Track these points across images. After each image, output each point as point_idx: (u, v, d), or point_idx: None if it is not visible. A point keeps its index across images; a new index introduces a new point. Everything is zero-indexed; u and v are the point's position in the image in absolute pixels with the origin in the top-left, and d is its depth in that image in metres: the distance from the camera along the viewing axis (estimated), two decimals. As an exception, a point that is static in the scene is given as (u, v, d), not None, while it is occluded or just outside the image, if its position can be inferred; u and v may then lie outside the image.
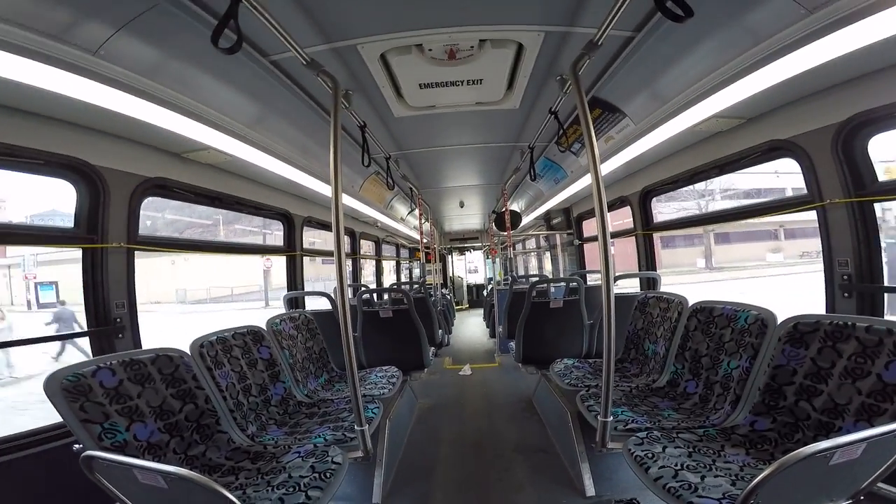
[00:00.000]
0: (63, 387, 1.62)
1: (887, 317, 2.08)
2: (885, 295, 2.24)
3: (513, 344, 4.10)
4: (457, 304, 13.28)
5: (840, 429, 1.70)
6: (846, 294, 2.31)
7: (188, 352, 2.25)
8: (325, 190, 4.09)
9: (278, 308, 3.93)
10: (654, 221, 4.45)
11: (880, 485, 1.39)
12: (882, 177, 2.27)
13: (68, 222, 2.45)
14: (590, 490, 2.58)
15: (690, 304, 2.81)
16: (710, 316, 2.55)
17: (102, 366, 1.80)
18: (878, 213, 2.37)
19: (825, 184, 2.40)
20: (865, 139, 2.27)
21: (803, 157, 2.50)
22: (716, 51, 2.21)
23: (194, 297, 27.78)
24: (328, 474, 1.81)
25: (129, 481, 1.37)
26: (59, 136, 2.20)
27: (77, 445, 1.55)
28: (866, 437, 1.17)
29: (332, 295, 3.75)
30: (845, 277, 2.31)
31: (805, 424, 1.84)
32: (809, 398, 1.85)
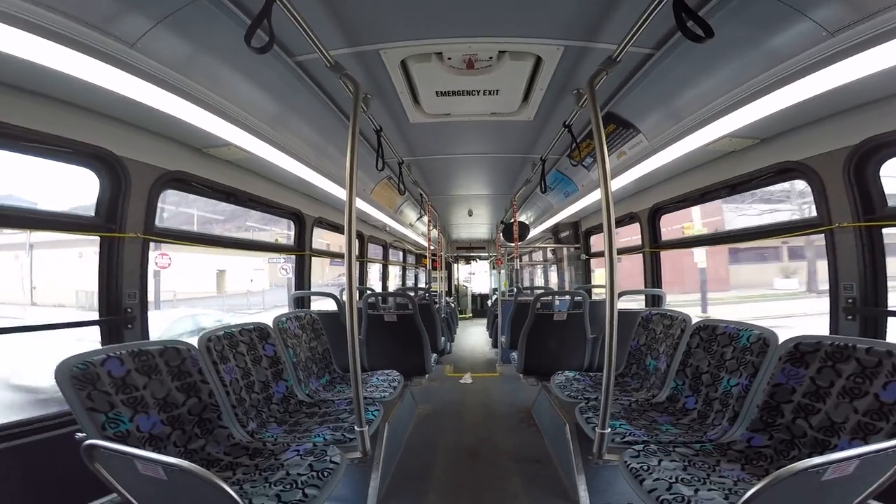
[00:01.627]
0: (73, 374, 1.63)
1: (890, 339, 2.08)
2: (888, 318, 2.23)
3: (515, 354, 4.11)
4: (461, 312, 13.27)
5: (835, 446, 1.71)
6: (850, 317, 2.31)
7: (196, 345, 2.28)
8: (338, 191, 4.14)
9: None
10: (662, 239, 4.45)
11: (872, 501, 1.39)
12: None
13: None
14: (584, 501, 2.58)
15: (694, 322, 2.81)
16: (713, 334, 2.55)
17: (112, 355, 1.81)
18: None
19: (835, 207, 2.40)
20: (877, 164, 2.27)
21: (815, 179, 2.50)
22: (733, 71, 2.23)
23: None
24: (326, 473, 1.82)
25: (129, 472, 1.37)
26: (85, 125, 2.24)
27: (80, 434, 1.56)
28: (859, 454, 1.18)
29: (339, 296, 3.80)
30: (850, 301, 2.31)
31: (801, 441, 1.85)
32: (807, 416, 1.86)
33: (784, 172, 2.76)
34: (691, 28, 1.49)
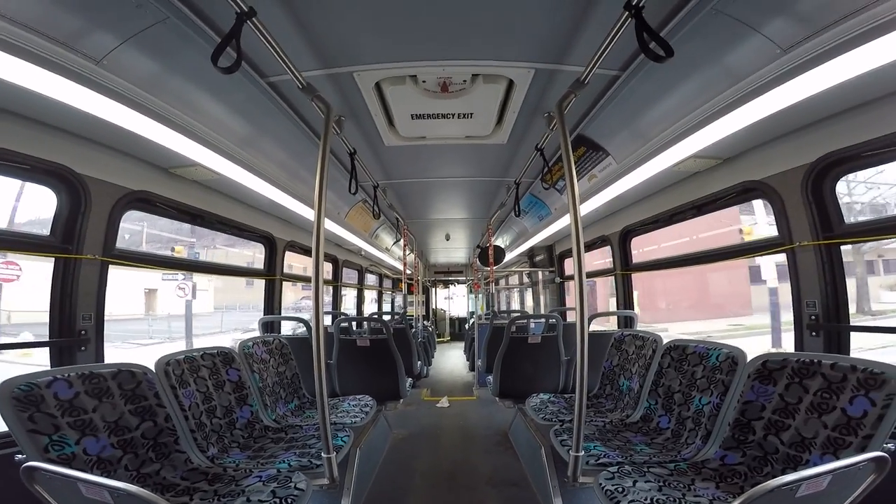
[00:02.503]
0: (14, 395, 1.56)
1: (852, 354, 2.12)
2: (850, 333, 2.29)
3: (491, 378, 4.06)
4: (439, 336, 13.15)
5: (807, 461, 1.72)
6: (814, 333, 2.35)
7: (153, 369, 2.17)
8: (310, 214, 4.09)
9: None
10: (633, 262, 4.53)
11: None
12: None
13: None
14: None
15: (665, 342, 2.83)
16: (684, 354, 2.57)
17: (60, 377, 1.73)
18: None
19: (795, 226, 2.45)
20: (833, 180, 2.34)
21: (775, 198, 2.55)
22: (695, 90, 2.30)
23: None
24: (289, 500, 1.74)
25: (73, 496, 1.30)
26: (44, 141, 2.18)
27: (19, 455, 1.49)
28: (832, 470, 1.18)
29: (310, 321, 3.70)
30: (813, 318, 2.36)
31: (774, 458, 1.85)
32: (778, 432, 1.87)
33: (746, 192, 2.83)
34: (653, 49, 1.53)
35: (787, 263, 2.54)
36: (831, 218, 2.35)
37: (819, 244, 2.35)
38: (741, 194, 2.89)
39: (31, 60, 1.64)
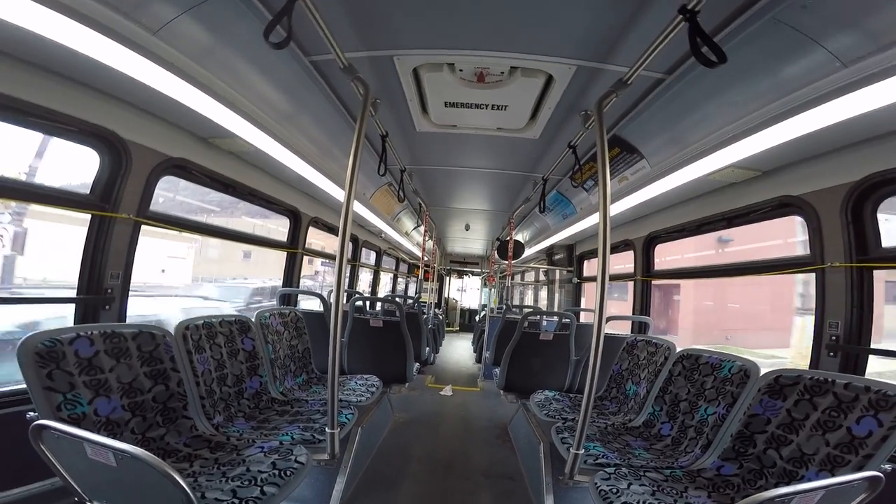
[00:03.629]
0: (37, 350, 1.58)
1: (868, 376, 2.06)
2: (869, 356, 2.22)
3: (497, 370, 4.07)
4: (448, 325, 13.21)
5: (802, 477, 1.71)
6: (832, 353, 2.29)
7: (172, 332, 2.23)
8: (337, 193, 4.15)
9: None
10: (655, 269, 4.45)
11: None
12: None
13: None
14: None
15: (678, 350, 2.79)
16: (696, 363, 2.54)
17: (83, 334, 1.76)
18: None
19: (829, 246, 2.37)
20: (876, 202, 2.24)
21: (811, 215, 2.46)
22: (743, 99, 2.22)
23: None
24: (288, 473, 1.78)
25: (77, 456, 1.33)
26: (93, 105, 2.25)
27: (31, 413, 1.51)
28: (824, 486, 1.19)
29: (327, 297, 3.77)
30: (833, 338, 2.29)
31: (769, 472, 1.84)
32: (778, 447, 1.85)
33: (782, 207, 2.73)
34: (705, 53, 1.49)
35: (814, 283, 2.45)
36: (868, 240, 2.26)
37: (851, 266, 2.27)
38: (776, 209, 2.78)
39: (91, 26, 1.69)
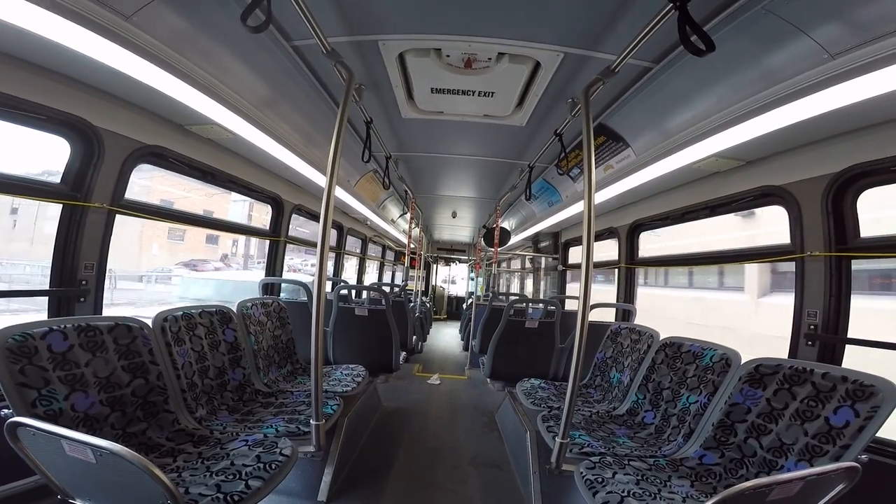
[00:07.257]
0: (7, 346, 1.53)
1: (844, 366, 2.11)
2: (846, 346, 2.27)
3: (484, 359, 4.09)
4: (435, 313, 13.25)
5: (782, 467, 1.74)
6: (809, 343, 2.34)
7: (150, 324, 2.18)
8: (321, 180, 4.07)
9: None
10: (639, 256, 4.49)
11: None
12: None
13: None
14: None
15: (661, 338, 2.82)
16: (678, 351, 2.57)
17: (56, 328, 1.71)
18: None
19: (808, 235, 2.41)
20: (856, 193, 2.28)
21: (793, 205, 2.50)
22: (730, 89, 2.23)
23: None
24: (273, 466, 1.76)
25: (55, 453, 1.30)
26: (63, 92, 2.17)
27: (5, 410, 1.47)
28: (804, 476, 1.21)
29: (310, 286, 3.72)
30: (812, 327, 2.34)
31: (750, 461, 1.87)
32: (758, 436, 1.89)
33: (764, 196, 2.76)
34: (694, 42, 1.48)
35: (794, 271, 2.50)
36: (847, 231, 2.30)
37: (830, 255, 2.31)
38: (758, 198, 2.81)
39: (58, 12, 1.62)
